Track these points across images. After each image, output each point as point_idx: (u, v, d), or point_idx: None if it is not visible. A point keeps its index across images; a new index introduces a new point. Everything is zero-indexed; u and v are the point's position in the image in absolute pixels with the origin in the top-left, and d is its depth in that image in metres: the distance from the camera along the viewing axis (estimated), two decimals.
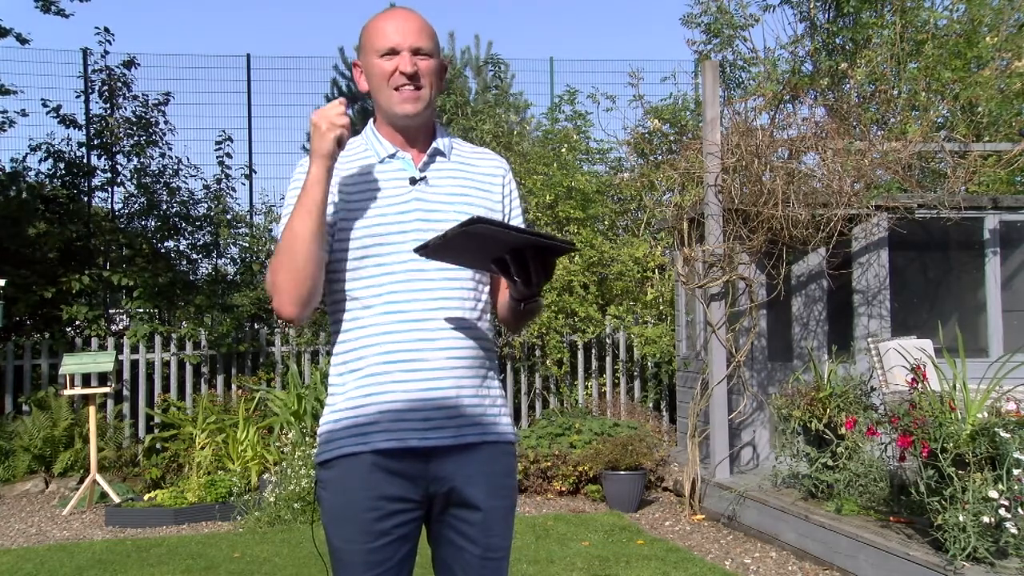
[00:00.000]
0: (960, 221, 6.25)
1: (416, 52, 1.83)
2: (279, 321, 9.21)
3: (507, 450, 1.91)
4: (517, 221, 1.99)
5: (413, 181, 1.87)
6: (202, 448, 7.03)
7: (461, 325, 1.83)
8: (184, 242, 9.64)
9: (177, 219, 9.42)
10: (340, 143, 1.77)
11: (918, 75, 7.48)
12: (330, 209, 1.82)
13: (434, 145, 1.91)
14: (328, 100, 12.28)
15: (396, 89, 1.83)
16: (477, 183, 1.94)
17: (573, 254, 8.30)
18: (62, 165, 9.28)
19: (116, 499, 6.47)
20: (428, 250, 1.70)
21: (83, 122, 9.37)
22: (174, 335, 8.20)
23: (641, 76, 8.25)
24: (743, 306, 6.10)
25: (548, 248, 1.71)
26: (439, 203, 1.86)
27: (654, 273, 8.70)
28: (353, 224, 1.82)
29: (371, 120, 1.95)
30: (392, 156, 1.89)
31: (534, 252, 1.70)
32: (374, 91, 1.88)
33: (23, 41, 9.12)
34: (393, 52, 1.83)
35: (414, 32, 1.84)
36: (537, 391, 8.40)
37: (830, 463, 5.01)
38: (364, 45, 1.88)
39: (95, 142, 9.29)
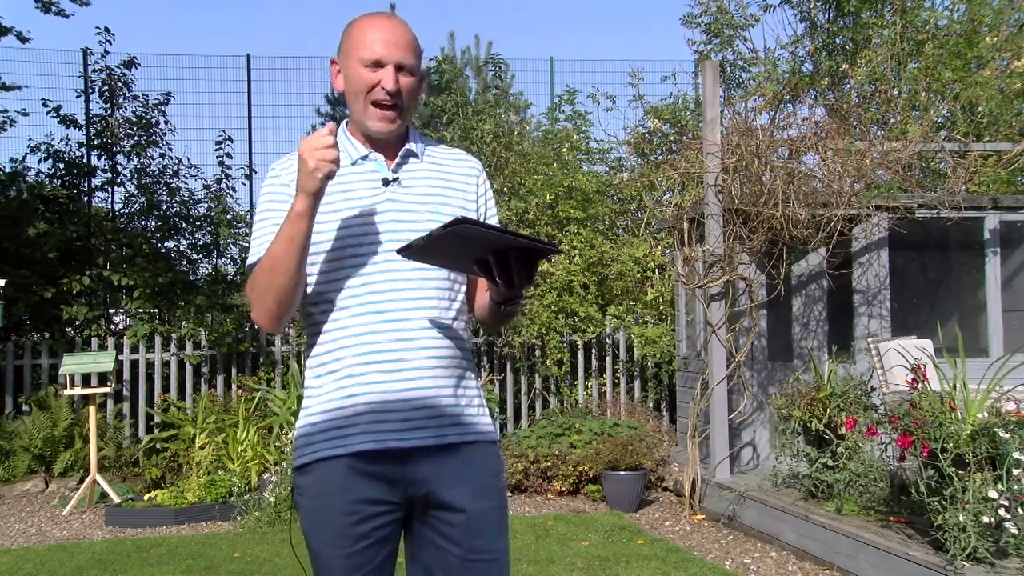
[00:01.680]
0: (960, 221, 6.25)
1: (400, 68, 1.81)
2: None
3: (489, 450, 1.89)
4: (492, 222, 1.98)
5: (386, 182, 1.86)
6: (202, 448, 7.03)
7: (438, 325, 1.82)
8: (184, 242, 9.66)
9: (177, 219, 9.42)
10: (330, 178, 1.71)
11: (918, 75, 7.47)
12: None
13: (407, 146, 1.90)
14: (328, 100, 12.18)
15: (374, 104, 1.82)
16: (451, 183, 1.93)
17: (574, 254, 8.30)
18: (62, 165, 9.28)
19: (116, 499, 6.47)
20: (411, 251, 1.69)
21: (83, 122, 9.38)
22: (174, 335, 8.20)
23: (641, 76, 8.26)
24: (743, 306, 6.10)
25: (531, 250, 1.70)
26: (413, 203, 1.86)
27: (654, 273, 8.70)
28: (326, 226, 1.80)
29: (343, 122, 1.94)
30: (364, 158, 1.88)
31: (517, 254, 1.69)
32: (350, 97, 1.86)
33: (23, 39, 9.13)
34: (378, 64, 1.81)
35: (400, 47, 1.81)
36: (537, 391, 8.40)
37: (830, 463, 5.01)
38: (346, 48, 1.85)
39: (95, 142, 9.30)
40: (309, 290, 1.83)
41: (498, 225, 1.87)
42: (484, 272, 1.72)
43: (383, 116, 1.82)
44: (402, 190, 1.86)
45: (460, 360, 1.87)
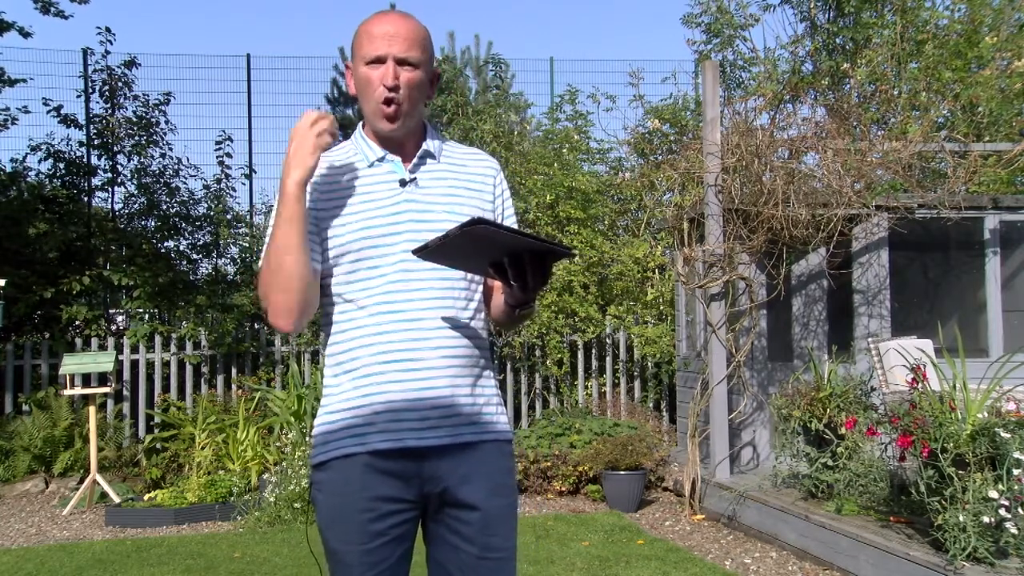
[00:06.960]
0: (960, 221, 6.25)
1: (402, 63, 1.80)
2: None
3: (504, 449, 1.91)
4: (510, 222, 1.97)
5: (403, 183, 1.86)
6: (202, 448, 7.03)
7: (455, 324, 1.83)
8: (184, 242, 9.66)
9: (177, 219, 9.42)
10: (324, 149, 1.77)
11: (919, 75, 7.48)
12: (320, 214, 1.83)
13: (424, 147, 1.89)
14: (328, 100, 12.16)
15: (378, 102, 1.81)
16: (468, 184, 1.92)
17: (574, 255, 8.30)
18: (62, 165, 9.29)
19: (116, 499, 6.46)
20: (427, 251, 1.69)
21: (84, 122, 9.38)
22: (174, 335, 8.19)
23: (641, 76, 8.27)
24: (743, 306, 6.09)
25: (546, 253, 1.70)
26: (430, 204, 1.85)
27: (654, 273, 8.70)
28: (344, 227, 1.81)
29: (360, 124, 1.94)
30: (381, 159, 1.87)
31: (532, 256, 1.69)
32: (360, 98, 1.86)
33: (25, 35, 9.13)
34: (379, 61, 1.80)
35: (402, 41, 1.80)
36: (537, 391, 8.40)
37: (830, 463, 5.01)
38: (353, 49, 1.86)
39: (96, 142, 9.30)
40: (327, 290, 1.85)
41: (515, 227, 1.86)
42: (499, 274, 1.73)
43: (385, 114, 1.81)
44: (419, 191, 1.86)
45: (477, 359, 1.87)
